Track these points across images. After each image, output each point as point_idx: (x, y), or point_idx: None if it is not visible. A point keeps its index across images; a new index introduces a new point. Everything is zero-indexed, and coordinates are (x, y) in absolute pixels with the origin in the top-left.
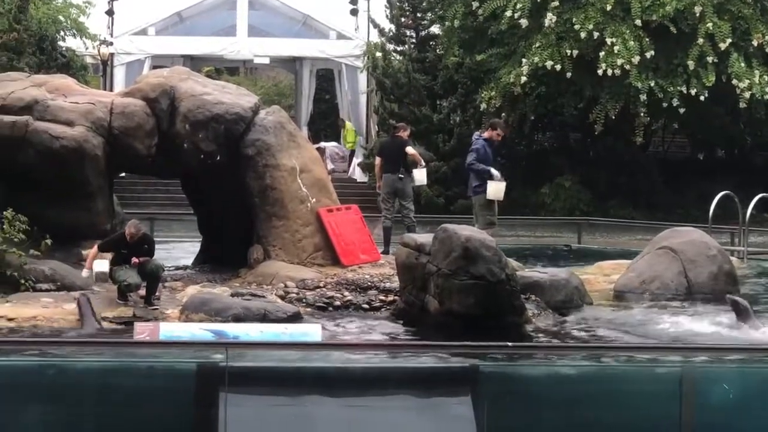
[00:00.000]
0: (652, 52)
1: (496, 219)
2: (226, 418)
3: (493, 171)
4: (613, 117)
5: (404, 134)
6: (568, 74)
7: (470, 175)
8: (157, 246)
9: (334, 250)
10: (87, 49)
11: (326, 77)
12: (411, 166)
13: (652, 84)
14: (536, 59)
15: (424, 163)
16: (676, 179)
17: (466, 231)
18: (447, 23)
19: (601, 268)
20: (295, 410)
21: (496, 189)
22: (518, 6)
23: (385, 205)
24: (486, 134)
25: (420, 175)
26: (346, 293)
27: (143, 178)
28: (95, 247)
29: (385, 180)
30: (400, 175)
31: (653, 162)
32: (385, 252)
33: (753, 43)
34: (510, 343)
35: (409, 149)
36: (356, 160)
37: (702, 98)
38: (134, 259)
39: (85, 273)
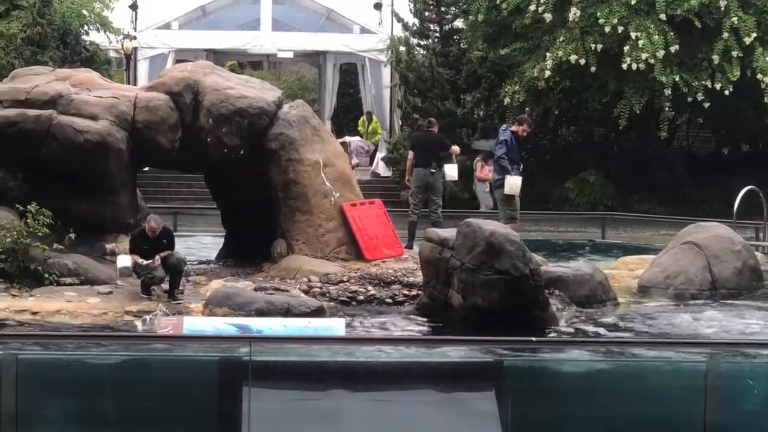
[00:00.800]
0: (677, 47)
1: (517, 214)
2: (250, 411)
3: (508, 177)
4: (638, 111)
5: (435, 129)
6: (593, 68)
7: (494, 170)
8: (180, 240)
9: (358, 245)
10: (110, 43)
11: (350, 71)
12: (444, 161)
13: (677, 78)
14: (560, 53)
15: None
16: (700, 174)
17: (490, 225)
18: (471, 17)
19: (626, 262)
20: (318, 404)
21: (512, 184)
22: (542, 0)
23: (414, 200)
24: (513, 127)
25: (451, 171)
26: (370, 288)
27: (167, 172)
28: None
29: (416, 174)
30: (432, 170)
31: (677, 157)
32: (409, 246)
33: None
34: (534, 338)
35: (455, 148)
36: (380, 155)
37: (727, 93)
38: (156, 259)
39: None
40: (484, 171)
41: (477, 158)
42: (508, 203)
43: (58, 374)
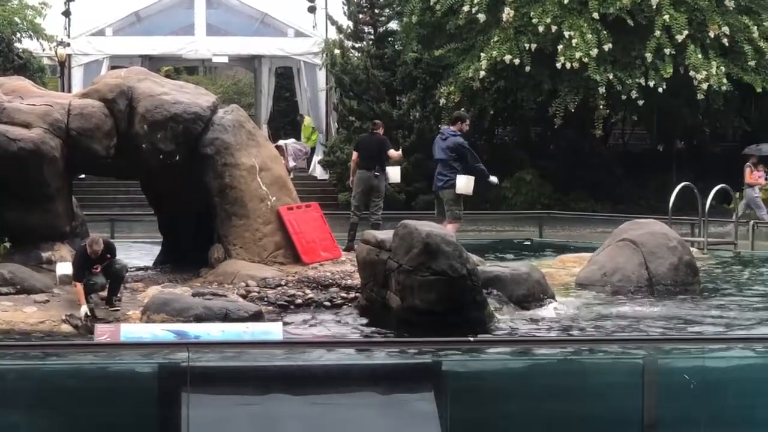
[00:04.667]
0: (610, 45)
1: (462, 214)
2: (189, 418)
3: (462, 177)
4: (573, 110)
5: (381, 131)
6: (527, 68)
7: (439, 169)
8: (118, 247)
9: (295, 248)
10: (44, 50)
11: (285, 75)
12: (387, 164)
13: (611, 76)
14: (495, 53)
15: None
16: (636, 171)
17: (426, 227)
18: (405, 19)
19: (563, 261)
20: (257, 409)
21: (466, 183)
22: (476, 0)
23: (355, 202)
24: (456, 128)
25: (394, 173)
26: (308, 291)
27: (103, 179)
28: (77, 284)
29: (360, 176)
30: (375, 173)
31: (613, 154)
32: (349, 248)
33: (709, 34)
34: (472, 338)
35: (393, 152)
36: (317, 158)
37: (660, 90)
38: (96, 269)
39: (83, 310)
40: (754, 176)
41: (747, 163)
42: (456, 203)
43: None
